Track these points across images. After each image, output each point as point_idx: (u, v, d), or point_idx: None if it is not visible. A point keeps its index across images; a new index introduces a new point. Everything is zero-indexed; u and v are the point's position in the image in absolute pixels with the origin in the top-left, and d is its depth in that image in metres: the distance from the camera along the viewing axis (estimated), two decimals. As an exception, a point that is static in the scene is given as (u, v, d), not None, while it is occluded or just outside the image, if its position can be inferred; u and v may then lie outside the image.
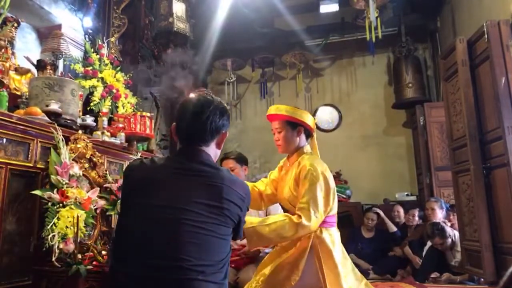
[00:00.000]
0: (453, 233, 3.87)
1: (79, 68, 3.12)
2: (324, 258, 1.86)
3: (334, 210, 1.97)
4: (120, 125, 2.98)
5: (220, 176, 1.28)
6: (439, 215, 4.16)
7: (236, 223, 1.30)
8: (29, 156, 2.15)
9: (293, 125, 2.01)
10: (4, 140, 2.03)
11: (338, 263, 1.86)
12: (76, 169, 2.26)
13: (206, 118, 1.31)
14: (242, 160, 2.75)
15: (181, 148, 1.38)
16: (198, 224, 1.19)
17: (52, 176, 2.12)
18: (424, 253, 4.08)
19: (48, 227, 1.99)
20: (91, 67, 3.15)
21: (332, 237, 1.93)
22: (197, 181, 1.26)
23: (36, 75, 2.82)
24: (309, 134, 2.08)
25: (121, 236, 1.27)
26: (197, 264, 1.15)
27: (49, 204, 2.06)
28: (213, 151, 1.37)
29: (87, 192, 2.31)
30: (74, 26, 3.67)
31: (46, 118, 2.29)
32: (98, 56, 3.23)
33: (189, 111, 1.34)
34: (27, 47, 3.31)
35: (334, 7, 5.90)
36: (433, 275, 3.81)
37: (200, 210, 1.20)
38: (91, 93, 3.09)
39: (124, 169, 2.63)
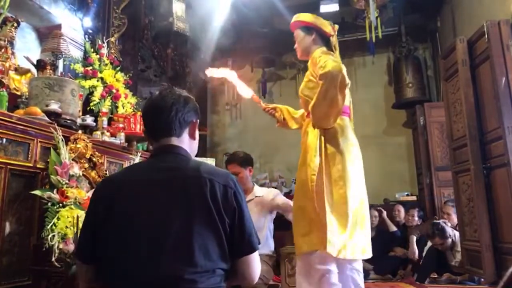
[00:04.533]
0: (453, 233, 3.86)
1: (79, 68, 3.12)
2: (329, 136, 1.98)
3: (347, 100, 2.08)
4: (120, 125, 2.99)
5: (196, 170, 1.19)
6: (455, 220, 3.94)
7: (231, 219, 1.16)
8: (29, 156, 2.15)
9: (306, 29, 2.17)
10: (4, 140, 2.03)
11: (341, 144, 2.00)
12: (76, 169, 2.26)
13: (169, 109, 1.25)
14: (246, 162, 2.72)
15: (153, 149, 1.30)
16: (183, 229, 1.10)
17: (52, 176, 2.12)
18: (424, 253, 4.07)
19: (48, 227, 1.99)
20: (91, 67, 3.15)
21: (342, 122, 2.05)
22: (174, 183, 1.16)
23: (36, 75, 2.82)
24: (325, 39, 2.18)
25: (107, 257, 1.15)
26: (190, 271, 1.08)
27: (49, 204, 2.06)
28: (186, 143, 1.29)
29: (87, 192, 2.31)
30: (74, 26, 3.66)
31: (46, 118, 2.29)
32: (98, 56, 3.24)
33: (153, 106, 1.28)
34: (27, 47, 3.30)
35: (334, 7, 5.89)
36: (432, 275, 3.81)
37: (183, 214, 1.12)
38: (91, 93, 3.10)
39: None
